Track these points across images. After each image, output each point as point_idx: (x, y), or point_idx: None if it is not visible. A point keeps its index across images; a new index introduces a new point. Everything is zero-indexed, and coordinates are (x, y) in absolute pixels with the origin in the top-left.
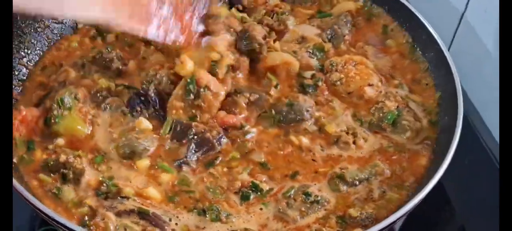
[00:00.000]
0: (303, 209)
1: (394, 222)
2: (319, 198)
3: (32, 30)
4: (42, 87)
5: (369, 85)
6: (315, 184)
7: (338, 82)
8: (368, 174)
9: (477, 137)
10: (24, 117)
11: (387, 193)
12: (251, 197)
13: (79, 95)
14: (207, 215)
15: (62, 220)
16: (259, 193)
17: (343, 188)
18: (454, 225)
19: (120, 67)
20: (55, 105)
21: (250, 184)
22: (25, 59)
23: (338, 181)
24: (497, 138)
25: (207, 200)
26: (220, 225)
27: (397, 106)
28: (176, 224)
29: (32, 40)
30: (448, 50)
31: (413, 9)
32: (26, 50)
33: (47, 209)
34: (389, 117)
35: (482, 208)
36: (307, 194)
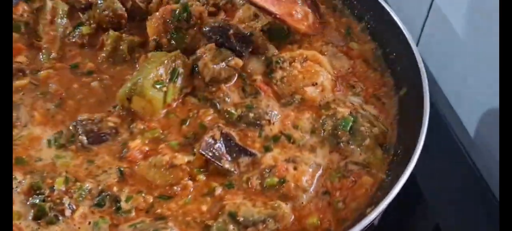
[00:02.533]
0: None
1: None
2: None
3: None
4: None
5: (313, 85)
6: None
7: (278, 82)
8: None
9: (448, 129)
10: None
11: None
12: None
13: None
14: None
15: None
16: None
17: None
18: (428, 222)
19: None
20: None
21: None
22: None
23: (228, 219)
24: (469, 130)
25: None
26: None
27: (350, 113)
28: None
29: None
30: (419, 38)
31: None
32: None
33: None
34: (343, 123)
35: (456, 203)
36: None
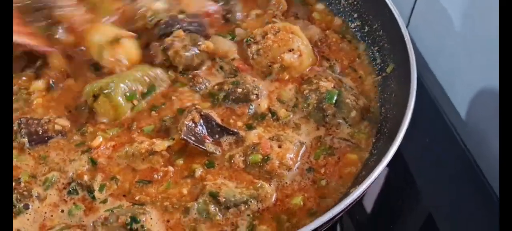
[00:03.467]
0: None
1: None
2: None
3: None
4: None
5: (289, 51)
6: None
7: (255, 55)
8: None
9: (439, 112)
10: None
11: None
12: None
13: None
14: None
15: None
16: None
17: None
18: (421, 212)
19: None
20: None
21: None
22: None
23: (209, 199)
24: (461, 113)
25: None
26: None
27: (333, 86)
28: None
29: None
30: (409, 20)
31: None
32: None
33: None
34: (328, 96)
35: (449, 188)
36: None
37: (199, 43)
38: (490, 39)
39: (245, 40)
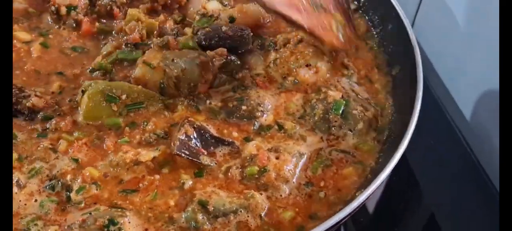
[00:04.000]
0: None
1: None
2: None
3: None
4: None
5: (307, 66)
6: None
7: (272, 64)
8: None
9: (443, 113)
10: None
11: None
12: None
13: None
14: None
15: None
16: None
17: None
18: (423, 211)
19: None
20: None
21: None
22: None
23: (197, 208)
24: (465, 113)
25: None
26: None
27: (342, 96)
28: None
29: None
30: (414, 19)
31: None
32: None
33: None
34: (335, 107)
35: (451, 189)
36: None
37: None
38: (494, 40)
39: (267, 44)
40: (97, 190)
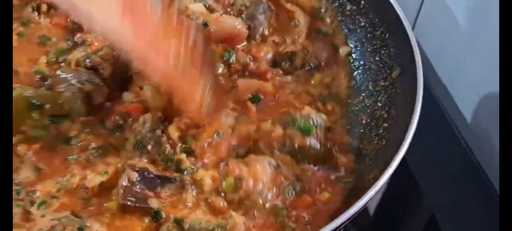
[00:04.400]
0: None
1: None
2: None
3: None
4: None
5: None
6: None
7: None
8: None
9: (443, 115)
10: None
11: None
12: None
13: None
14: None
15: None
16: None
17: None
18: (423, 212)
19: None
20: None
21: None
22: None
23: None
24: (466, 115)
25: None
26: None
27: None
28: None
29: None
30: (415, 22)
31: None
32: None
33: None
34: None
35: (452, 191)
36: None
37: None
38: (494, 41)
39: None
40: (57, 203)
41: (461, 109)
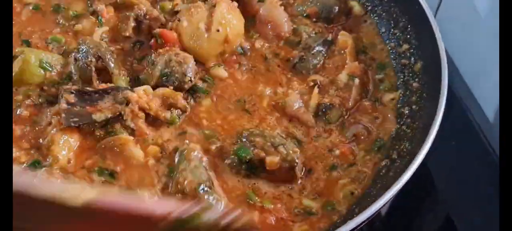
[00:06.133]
0: None
1: None
2: None
3: None
4: None
5: None
6: None
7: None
8: None
9: (465, 113)
10: None
11: None
12: None
13: None
14: None
15: None
16: None
17: None
18: (439, 213)
19: None
20: None
21: None
22: None
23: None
24: (488, 114)
25: None
26: None
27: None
28: None
29: None
30: (435, 14)
31: None
32: None
33: None
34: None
35: (470, 192)
36: None
37: None
38: None
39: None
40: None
41: (483, 108)
